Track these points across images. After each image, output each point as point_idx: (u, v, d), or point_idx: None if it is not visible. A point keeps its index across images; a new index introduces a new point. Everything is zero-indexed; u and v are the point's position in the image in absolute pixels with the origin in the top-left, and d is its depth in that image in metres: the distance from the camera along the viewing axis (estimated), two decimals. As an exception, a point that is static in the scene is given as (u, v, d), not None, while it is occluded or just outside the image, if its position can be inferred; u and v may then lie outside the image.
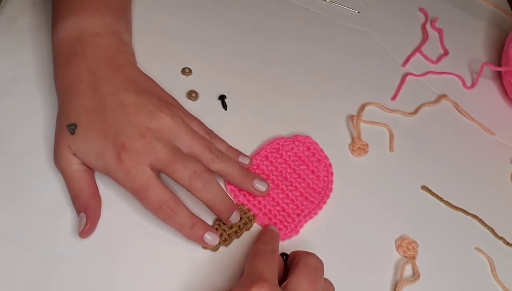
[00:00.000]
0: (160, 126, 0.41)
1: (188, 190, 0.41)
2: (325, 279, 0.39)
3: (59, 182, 0.43)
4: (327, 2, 0.65)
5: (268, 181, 0.47)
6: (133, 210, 0.43)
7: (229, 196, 0.44)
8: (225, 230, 0.43)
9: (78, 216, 0.41)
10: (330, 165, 0.49)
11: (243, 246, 0.44)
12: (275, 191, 0.47)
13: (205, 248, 0.42)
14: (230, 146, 0.47)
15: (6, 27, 0.51)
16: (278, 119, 0.52)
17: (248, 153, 0.48)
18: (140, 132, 0.40)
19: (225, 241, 0.43)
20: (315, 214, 0.46)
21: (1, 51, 0.49)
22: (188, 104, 0.50)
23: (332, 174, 0.49)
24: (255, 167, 0.48)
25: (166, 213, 0.40)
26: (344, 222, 0.47)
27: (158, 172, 0.41)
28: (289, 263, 0.41)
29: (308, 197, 0.47)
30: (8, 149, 0.44)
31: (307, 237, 0.46)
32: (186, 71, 0.53)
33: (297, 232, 0.45)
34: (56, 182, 0.43)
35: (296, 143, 0.50)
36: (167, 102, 0.44)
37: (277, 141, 0.49)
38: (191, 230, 0.41)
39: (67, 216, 0.42)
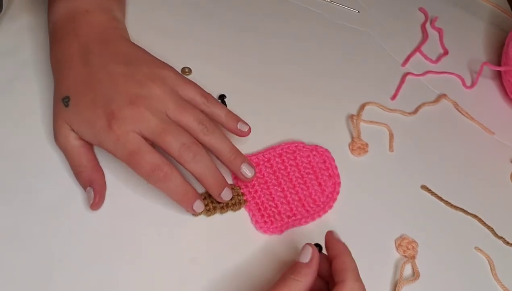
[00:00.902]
0: (149, 95, 0.41)
1: (177, 161, 0.41)
2: None
3: (59, 181, 0.43)
4: (327, 1, 0.65)
5: (273, 177, 0.47)
6: (133, 209, 0.43)
7: (218, 170, 0.43)
8: (212, 202, 0.44)
9: (85, 191, 0.42)
10: (339, 184, 0.49)
11: (245, 248, 0.44)
12: (275, 187, 0.47)
13: (194, 213, 0.43)
14: (230, 111, 0.46)
15: (6, 26, 0.51)
16: (278, 119, 0.52)
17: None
18: (129, 100, 0.41)
19: (208, 211, 0.44)
20: (305, 222, 0.46)
21: (1, 50, 0.49)
22: (188, 104, 0.50)
23: (338, 193, 0.48)
24: (266, 160, 0.48)
25: (159, 176, 0.40)
26: (343, 221, 0.47)
27: (148, 140, 0.41)
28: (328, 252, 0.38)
29: (305, 204, 0.47)
30: (8, 148, 0.44)
31: (307, 236, 0.46)
32: (186, 70, 0.53)
33: (281, 232, 0.45)
34: (56, 181, 0.43)
35: (314, 152, 0.50)
36: (159, 70, 0.44)
37: (296, 145, 0.49)
38: (184, 196, 0.41)
39: (67, 216, 0.42)
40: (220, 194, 0.43)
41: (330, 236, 0.39)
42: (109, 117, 0.40)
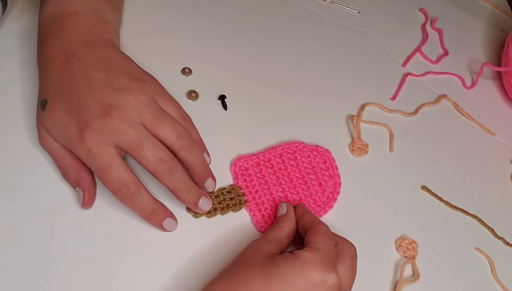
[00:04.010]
0: (124, 105, 0.40)
1: (153, 175, 0.41)
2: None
3: (58, 181, 0.43)
4: (327, 2, 0.65)
5: (273, 177, 0.47)
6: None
7: (194, 183, 0.43)
8: (213, 203, 0.44)
9: (75, 190, 0.42)
10: (339, 184, 0.49)
11: (242, 247, 0.44)
12: (275, 187, 0.47)
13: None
14: (201, 139, 0.46)
15: (7, 27, 0.51)
16: (278, 119, 0.52)
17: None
18: (103, 110, 0.40)
19: (209, 212, 0.44)
20: None
21: (1, 51, 0.49)
22: (188, 104, 0.50)
23: (338, 193, 0.48)
24: (266, 160, 0.48)
25: (125, 195, 0.40)
26: (343, 221, 0.47)
27: (123, 152, 0.41)
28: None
29: (305, 204, 0.47)
30: (8, 148, 0.44)
31: (307, 237, 0.46)
32: (186, 71, 0.53)
33: None
34: (56, 181, 0.43)
35: (314, 153, 0.50)
36: (138, 81, 0.42)
37: (296, 145, 0.49)
38: (151, 215, 0.41)
39: (66, 216, 0.42)
40: (198, 206, 0.43)
41: (292, 205, 0.45)
42: (81, 126, 0.39)
